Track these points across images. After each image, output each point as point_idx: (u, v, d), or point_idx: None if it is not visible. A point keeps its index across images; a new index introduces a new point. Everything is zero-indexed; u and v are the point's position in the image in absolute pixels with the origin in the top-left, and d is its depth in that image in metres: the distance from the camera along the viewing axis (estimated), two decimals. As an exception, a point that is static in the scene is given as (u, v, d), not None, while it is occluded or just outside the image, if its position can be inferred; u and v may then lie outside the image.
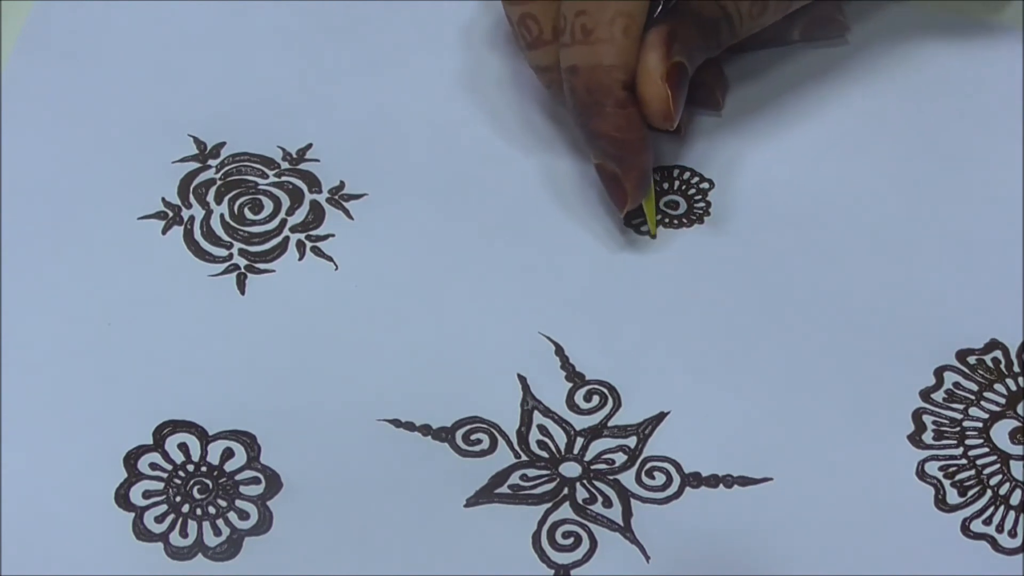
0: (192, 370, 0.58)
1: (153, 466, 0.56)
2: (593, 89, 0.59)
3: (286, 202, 0.62)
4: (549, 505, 0.55)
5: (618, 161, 0.59)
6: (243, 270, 0.60)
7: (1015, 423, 0.57)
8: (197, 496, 0.55)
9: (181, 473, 0.55)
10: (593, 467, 0.56)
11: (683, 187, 0.64)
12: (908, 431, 0.57)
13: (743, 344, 0.59)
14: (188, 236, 0.61)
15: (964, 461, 0.57)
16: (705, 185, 0.64)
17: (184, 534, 0.54)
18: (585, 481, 0.56)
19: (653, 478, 0.56)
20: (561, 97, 0.62)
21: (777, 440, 0.57)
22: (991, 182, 0.64)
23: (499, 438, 0.57)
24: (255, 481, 0.55)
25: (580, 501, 0.55)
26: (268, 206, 0.62)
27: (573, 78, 0.59)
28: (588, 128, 0.60)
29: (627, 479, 0.56)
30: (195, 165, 0.63)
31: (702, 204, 0.63)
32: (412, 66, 0.66)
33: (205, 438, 0.56)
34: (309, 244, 0.61)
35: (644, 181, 0.60)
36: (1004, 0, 0.69)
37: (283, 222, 0.62)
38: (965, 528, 0.55)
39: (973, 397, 0.58)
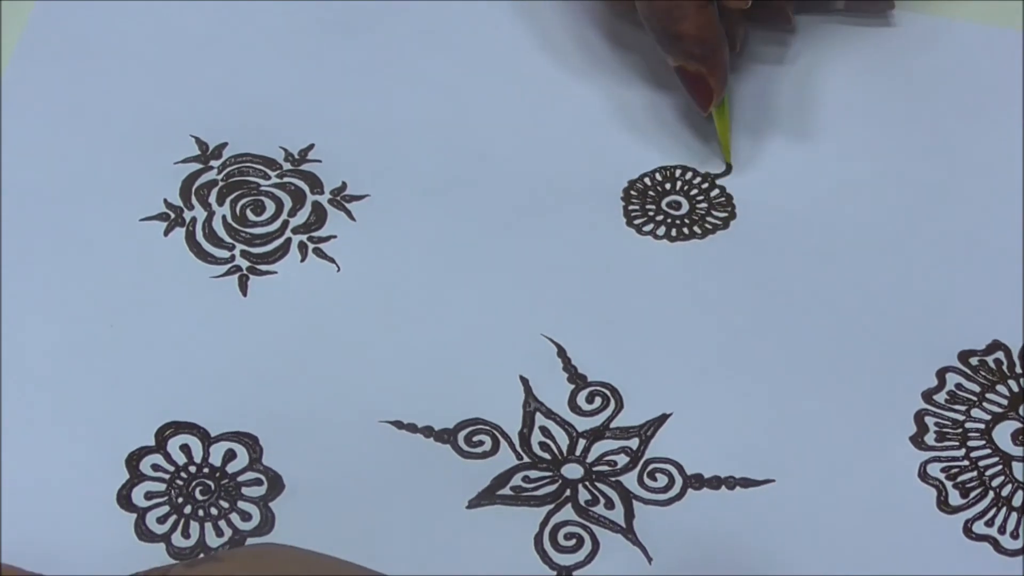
0: (194, 372, 0.58)
1: (155, 467, 0.56)
2: None
3: (288, 203, 0.62)
4: (551, 507, 0.55)
5: (702, 60, 0.62)
6: (245, 272, 0.60)
7: (1017, 424, 0.57)
8: (199, 497, 0.55)
9: (183, 474, 0.55)
10: (595, 469, 0.56)
11: (685, 187, 0.64)
12: (910, 432, 0.57)
13: (745, 345, 0.59)
14: (190, 238, 0.61)
15: (966, 462, 0.57)
16: (707, 185, 0.64)
17: (186, 535, 0.54)
18: (587, 483, 0.56)
19: (655, 480, 0.56)
20: (624, 7, 0.64)
21: (779, 442, 0.57)
22: (991, 182, 0.64)
23: (501, 440, 0.57)
24: (257, 482, 0.55)
25: (582, 503, 0.55)
26: (270, 207, 0.62)
27: None
28: (671, 32, 0.62)
29: (629, 481, 0.56)
30: (197, 166, 0.63)
31: (704, 205, 0.63)
32: (412, 66, 0.66)
33: (207, 439, 0.56)
34: (311, 246, 0.61)
35: (725, 77, 0.63)
36: (1003, 0, 0.69)
37: (285, 223, 0.62)
38: (967, 530, 0.55)
39: (975, 398, 0.58)
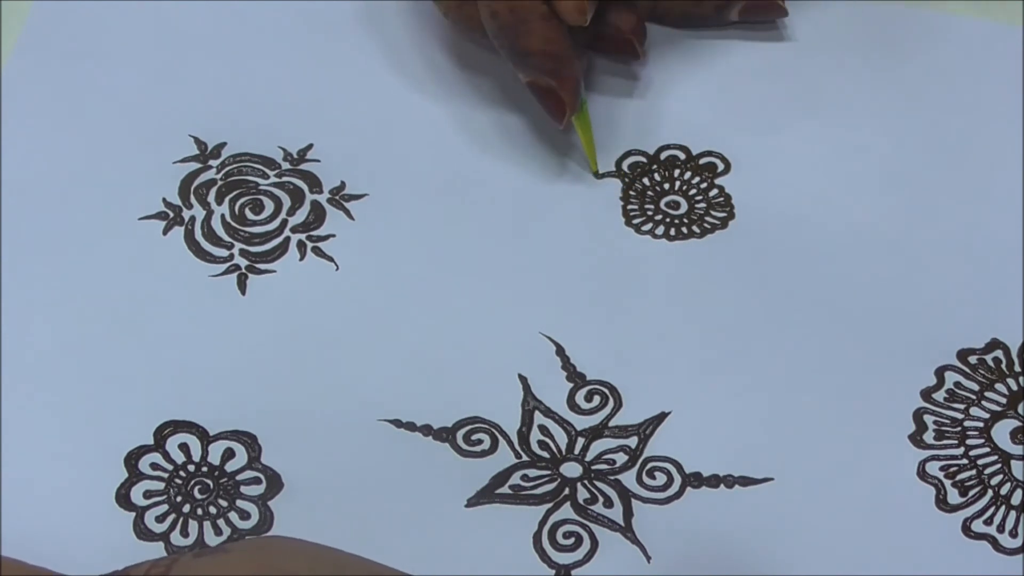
0: (193, 370, 0.58)
1: (154, 466, 0.56)
2: (516, 8, 0.61)
3: (287, 202, 0.62)
4: (550, 505, 0.55)
5: (552, 74, 0.61)
6: (244, 270, 0.60)
7: (1016, 423, 0.57)
8: (198, 496, 0.55)
9: (182, 473, 0.55)
10: (594, 467, 0.56)
11: (684, 187, 0.64)
12: (909, 431, 0.57)
13: (744, 344, 0.59)
14: (189, 236, 0.61)
15: (965, 461, 0.57)
16: (705, 185, 0.64)
17: (185, 534, 0.54)
18: (586, 481, 0.56)
19: (654, 478, 0.56)
20: (462, 25, 0.64)
21: (778, 440, 0.57)
22: (991, 182, 0.64)
23: (500, 438, 0.57)
24: (256, 481, 0.55)
25: (581, 501, 0.55)
26: (269, 206, 0.62)
27: (494, 2, 0.61)
28: (517, 47, 0.61)
29: (628, 479, 0.56)
30: (196, 165, 0.63)
31: (703, 205, 0.63)
32: (411, 66, 0.66)
33: (206, 438, 0.56)
34: (310, 244, 0.61)
35: (578, 89, 0.62)
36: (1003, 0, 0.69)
37: (284, 222, 0.62)
38: (966, 528, 0.55)
39: (974, 397, 0.58)
